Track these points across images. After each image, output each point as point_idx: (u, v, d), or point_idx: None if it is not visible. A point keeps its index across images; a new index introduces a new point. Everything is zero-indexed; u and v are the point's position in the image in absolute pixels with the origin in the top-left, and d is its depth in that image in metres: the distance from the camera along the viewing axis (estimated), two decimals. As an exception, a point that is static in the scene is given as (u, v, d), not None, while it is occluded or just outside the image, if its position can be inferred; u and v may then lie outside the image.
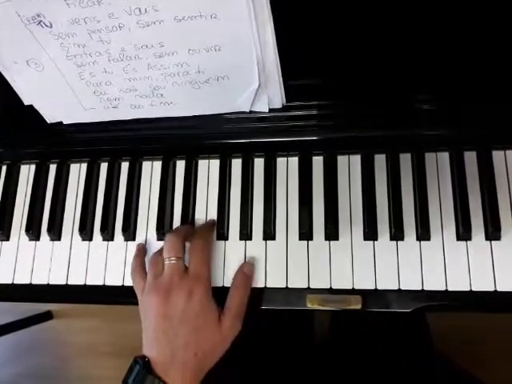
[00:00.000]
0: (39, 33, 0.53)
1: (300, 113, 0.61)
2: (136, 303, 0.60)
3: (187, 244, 0.60)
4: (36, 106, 0.64)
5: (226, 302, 0.58)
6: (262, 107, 0.60)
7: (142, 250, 0.64)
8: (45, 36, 0.53)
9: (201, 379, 0.54)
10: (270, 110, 0.61)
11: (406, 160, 0.62)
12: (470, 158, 0.61)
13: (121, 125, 0.65)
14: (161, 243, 0.63)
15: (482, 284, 0.56)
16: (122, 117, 0.64)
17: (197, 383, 0.54)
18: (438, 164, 0.62)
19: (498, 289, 0.56)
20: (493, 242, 0.58)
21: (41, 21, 0.52)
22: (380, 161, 0.63)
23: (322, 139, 0.62)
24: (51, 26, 0.52)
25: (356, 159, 0.63)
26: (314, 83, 0.59)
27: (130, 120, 0.64)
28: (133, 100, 0.61)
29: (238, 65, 0.55)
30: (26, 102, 0.63)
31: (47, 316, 1.48)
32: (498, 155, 0.61)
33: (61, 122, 0.66)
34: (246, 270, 0.60)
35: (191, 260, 0.57)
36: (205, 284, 0.56)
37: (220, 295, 0.58)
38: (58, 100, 0.62)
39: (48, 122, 0.66)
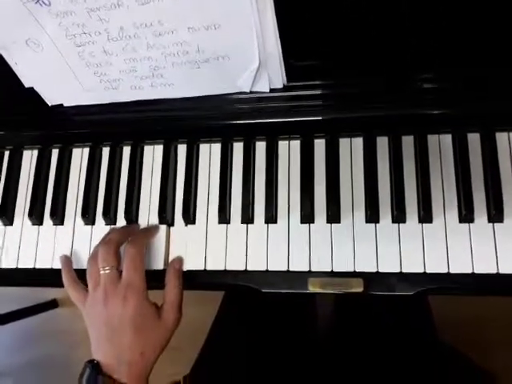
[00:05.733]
0: (38, 11, 0.53)
1: (301, 93, 0.60)
2: None
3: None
4: (37, 89, 0.64)
5: (163, 297, 0.60)
6: (263, 87, 0.60)
7: (68, 262, 0.65)
8: (43, 15, 0.53)
9: (149, 373, 0.58)
10: (271, 90, 0.60)
11: (408, 142, 0.61)
12: (474, 139, 0.60)
13: (121, 107, 0.65)
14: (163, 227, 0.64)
15: (485, 266, 0.56)
16: (122, 98, 0.63)
17: (144, 379, 0.58)
18: (441, 146, 0.61)
19: (501, 271, 0.56)
20: (495, 224, 0.57)
21: (39, -1, 0.52)
22: (382, 143, 0.62)
23: (324, 119, 0.61)
24: (50, 5, 0.52)
25: (358, 142, 0.63)
26: (315, 62, 0.58)
27: (130, 102, 0.64)
28: (133, 81, 0.60)
29: (237, 44, 0.54)
30: (27, 85, 0.63)
31: (52, 304, 1.48)
32: (501, 137, 0.60)
33: (61, 105, 0.66)
34: (176, 264, 0.63)
35: (124, 268, 0.59)
36: (137, 290, 0.58)
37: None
38: (59, 82, 0.62)
39: (49, 104, 0.66)
